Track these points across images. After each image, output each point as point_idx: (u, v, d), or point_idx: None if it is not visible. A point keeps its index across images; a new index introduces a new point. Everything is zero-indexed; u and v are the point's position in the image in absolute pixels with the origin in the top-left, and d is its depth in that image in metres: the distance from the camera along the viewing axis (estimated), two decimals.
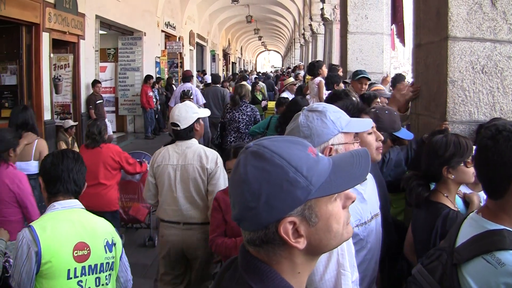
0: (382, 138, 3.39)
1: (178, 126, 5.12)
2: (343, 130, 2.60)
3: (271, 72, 32.89)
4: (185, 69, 21.73)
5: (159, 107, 19.36)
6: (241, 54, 63.08)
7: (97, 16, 16.33)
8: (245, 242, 1.60)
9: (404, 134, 4.68)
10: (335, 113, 2.64)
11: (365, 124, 2.86)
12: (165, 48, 23.39)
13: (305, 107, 2.75)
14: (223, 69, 45.20)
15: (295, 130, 2.62)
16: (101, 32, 17.31)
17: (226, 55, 48.82)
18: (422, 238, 3.42)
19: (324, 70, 10.88)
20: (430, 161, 3.44)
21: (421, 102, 5.19)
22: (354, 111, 3.19)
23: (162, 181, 5.18)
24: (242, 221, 1.56)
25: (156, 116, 19.27)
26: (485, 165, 2.44)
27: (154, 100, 18.64)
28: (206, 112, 5.62)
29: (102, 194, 6.66)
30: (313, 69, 10.89)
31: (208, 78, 22.39)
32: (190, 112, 5.20)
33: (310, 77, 11.55)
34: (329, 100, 4.92)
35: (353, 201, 1.64)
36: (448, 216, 3.17)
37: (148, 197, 5.48)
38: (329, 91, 7.70)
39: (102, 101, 15.96)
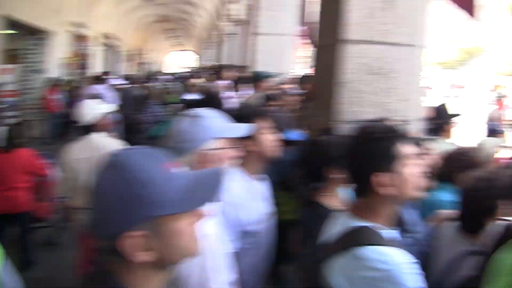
0: (279, 138, 3.47)
1: (80, 122, 5.33)
2: (216, 136, 2.63)
3: (183, 72, 32.83)
4: (95, 71, 21.33)
5: (65, 111, 18.68)
6: (155, 54, 62.76)
7: None
8: (99, 250, 1.63)
9: (296, 135, 4.79)
10: (210, 118, 2.68)
11: (240, 129, 2.87)
12: (73, 48, 22.74)
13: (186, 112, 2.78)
14: (137, 70, 44.84)
15: (172, 135, 2.67)
16: (5, 31, 16.67)
17: (139, 56, 48.40)
18: (304, 237, 3.49)
19: (228, 73, 10.99)
20: (314, 161, 3.49)
21: (315, 103, 5.33)
22: (239, 116, 3.18)
23: (73, 175, 5.27)
24: (93, 228, 1.59)
25: (62, 120, 18.63)
26: (350, 164, 2.56)
27: (60, 103, 18.07)
28: (110, 108, 5.81)
29: (12, 197, 6.55)
30: (215, 73, 11.08)
31: (115, 80, 22.04)
32: (91, 108, 5.44)
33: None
34: (200, 104, 4.95)
35: (202, 218, 1.67)
36: (318, 214, 3.20)
37: (62, 192, 5.63)
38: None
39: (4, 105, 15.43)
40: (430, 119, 5.67)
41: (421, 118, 5.33)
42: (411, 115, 4.95)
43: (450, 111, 6.04)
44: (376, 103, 4.73)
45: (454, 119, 5.95)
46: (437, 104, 6.55)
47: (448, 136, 5.89)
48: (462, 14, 6.28)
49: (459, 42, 60.61)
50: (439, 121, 5.84)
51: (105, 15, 28.67)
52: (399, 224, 2.84)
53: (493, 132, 13.62)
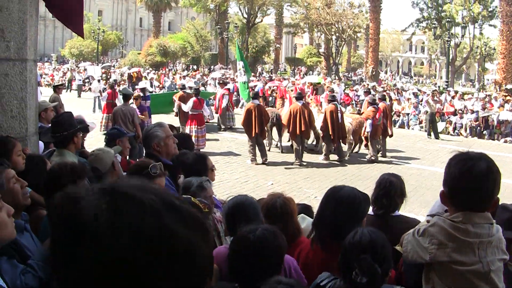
0: None
1: None
2: None
3: None
4: None
5: None
6: None
7: None
8: None
9: None
10: None
11: None
12: None
13: None
14: None
15: None
16: None
17: None
18: None
19: None
20: None
21: None
22: None
23: None
24: None
25: None
26: None
27: None
28: None
29: None
30: None
31: None
32: None
33: None
34: None
35: None
36: None
37: None
38: None
39: None
40: (54, 131, 6.07)
41: (38, 132, 6.27)
42: (28, 131, 5.70)
43: (75, 121, 6.41)
44: None
45: (79, 129, 6.29)
46: (59, 116, 6.95)
47: (76, 147, 6.31)
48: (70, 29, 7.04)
49: None
50: (65, 133, 5.97)
51: None
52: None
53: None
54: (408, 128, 30.36)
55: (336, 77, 53.75)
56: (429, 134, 26.44)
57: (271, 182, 14.40)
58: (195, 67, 70.00)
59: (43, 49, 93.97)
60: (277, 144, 20.04)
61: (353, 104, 32.93)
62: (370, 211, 5.03)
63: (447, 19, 49.52)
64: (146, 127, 12.03)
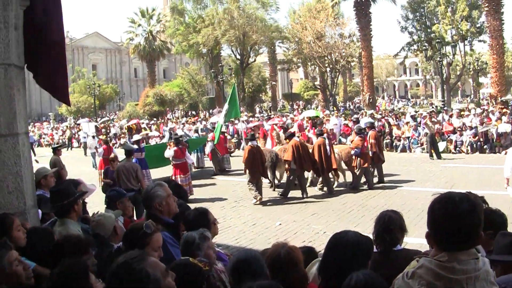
0: None
1: None
2: None
3: None
4: None
5: None
6: None
7: None
8: None
9: None
10: None
11: None
12: None
13: None
14: None
15: None
16: None
17: None
18: None
19: None
20: None
21: None
22: None
23: None
24: None
25: None
26: None
27: None
28: None
29: None
30: None
31: None
32: None
33: None
34: None
35: None
36: None
37: None
38: None
39: None
40: (54, 201, 5.94)
41: (36, 204, 6.29)
42: (26, 205, 5.78)
43: (75, 189, 6.26)
44: None
45: (78, 197, 6.17)
46: (58, 185, 6.64)
47: (78, 215, 6.22)
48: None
49: None
50: (65, 202, 5.89)
51: None
52: None
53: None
54: (410, 152, 30.35)
55: (335, 109, 53.91)
56: (431, 156, 26.45)
57: (279, 222, 14.35)
58: (194, 112, 70.25)
59: (40, 108, 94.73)
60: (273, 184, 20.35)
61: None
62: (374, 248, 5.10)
63: (437, 40, 49.82)
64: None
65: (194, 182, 21.46)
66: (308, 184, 19.60)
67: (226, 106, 20.94)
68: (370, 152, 19.49)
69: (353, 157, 19.37)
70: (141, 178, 14.96)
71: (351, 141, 21.21)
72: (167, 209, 5.71)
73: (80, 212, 6.32)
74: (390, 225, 5.16)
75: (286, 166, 18.30)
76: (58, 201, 5.90)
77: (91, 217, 6.33)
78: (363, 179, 19.50)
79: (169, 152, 19.45)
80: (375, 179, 19.99)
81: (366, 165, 19.09)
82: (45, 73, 6.45)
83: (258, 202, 17.29)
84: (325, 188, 18.85)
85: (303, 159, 18.03)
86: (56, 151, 18.30)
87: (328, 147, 18.54)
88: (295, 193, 18.41)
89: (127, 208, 7.26)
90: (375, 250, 5.04)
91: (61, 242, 4.64)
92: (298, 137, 19.91)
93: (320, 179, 19.07)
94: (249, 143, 18.36)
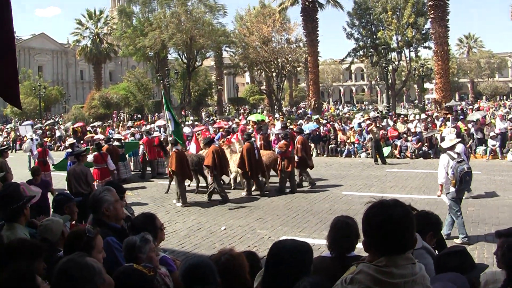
0: None
1: None
2: None
3: None
4: None
5: None
6: None
7: None
8: None
9: None
10: None
11: None
12: None
13: None
14: None
15: None
16: None
17: None
18: None
19: None
20: None
21: None
22: None
23: None
24: None
25: None
26: None
27: None
28: None
29: None
30: None
31: None
32: None
33: None
34: None
35: None
36: None
37: None
38: None
39: None
40: (2, 205, 5.94)
41: None
42: None
43: (23, 192, 6.29)
44: None
45: (27, 201, 6.16)
46: (5, 189, 6.55)
47: (26, 220, 6.23)
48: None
49: None
50: (14, 206, 5.90)
51: None
52: None
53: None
54: (355, 157, 30.76)
55: (280, 113, 54.15)
56: (376, 161, 26.88)
57: (224, 227, 14.43)
58: (139, 116, 69.77)
59: None
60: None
61: None
62: (327, 253, 5.26)
63: (383, 46, 50.46)
64: None
65: (135, 185, 22.14)
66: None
67: (167, 113, 20.91)
68: (296, 157, 19.99)
69: (278, 160, 19.89)
70: (91, 182, 14.93)
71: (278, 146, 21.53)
72: (114, 214, 5.76)
73: (28, 216, 6.33)
74: (348, 231, 5.21)
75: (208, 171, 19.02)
76: (7, 205, 5.90)
77: (39, 221, 6.34)
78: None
79: (89, 157, 19.44)
80: (305, 183, 20.66)
81: (289, 168, 19.57)
82: None
83: (183, 205, 17.90)
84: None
85: (223, 164, 18.70)
86: (3, 153, 18.06)
87: (256, 151, 19.12)
88: (234, 198, 18.81)
89: (73, 212, 7.27)
90: (328, 254, 5.22)
91: (14, 245, 4.66)
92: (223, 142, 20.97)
93: (245, 183, 19.70)
94: (174, 148, 18.64)
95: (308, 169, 20.85)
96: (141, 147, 26.76)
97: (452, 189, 12.39)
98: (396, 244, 3.18)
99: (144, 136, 28.66)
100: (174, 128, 19.92)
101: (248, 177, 19.30)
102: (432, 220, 5.81)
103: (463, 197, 13.15)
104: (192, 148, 23.20)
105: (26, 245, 4.64)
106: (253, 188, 19.72)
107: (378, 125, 29.87)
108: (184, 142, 22.47)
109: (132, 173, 27.08)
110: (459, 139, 14.92)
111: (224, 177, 20.42)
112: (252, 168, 18.93)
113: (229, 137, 23.17)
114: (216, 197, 18.63)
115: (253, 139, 20.91)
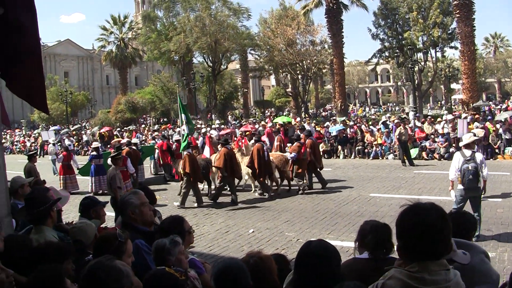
0: None
1: None
2: None
3: None
4: None
5: None
6: None
7: None
8: None
9: None
10: None
11: None
12: None
13: None
14: None
15: None
16: None
17: None
18: None
19: None
20: None
21: None
22: None
23: None
24: None
25: None
26: None
27: None
28: None
29: None
30: None
31: None
32: None
33: None
34: None
35: None
36: None
37: None
38: None
39: None
40: (29, 209, 5.94)
41: (10, 213, 6.23)
42: (1, 213, 5.75)
43: (50, 196, 6.27)
44: None
45: (53, 203, 6.11)
46: (32, 192, 6.57)
47: (53, 222, 6.17)
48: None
49: None
50: (41, 208, 5.85)
51: None
52: None
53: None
54: (382, 158, 30.53)
55: (307, 116, 53.99)
56: (403, 162, 26.63)
57: (252, 230, 14.36)
58: (166, 119, 70.03)
59: (12, 115, 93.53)
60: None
61: (325, 141, 33.24)
62: (364, 255, 5.12)
63: (409, 46, 50.02)
64: None
65: (158, 187, 22.34)
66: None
67: (183, 116, 21.06)
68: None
69: (289, 162, 20.19)
70: (114, 188, 14.90)
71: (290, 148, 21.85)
72: (141, 217, 5.72)
73: (55, 219, 6.30)
74: (382, 234, 5.11)
75: (217, 172, 19.67)
76: (34, 208, 5.89)
77: (72, 224, 6.31)
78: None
79: (108, 160, 19.65)
80: (318, 185, 20.85)
81: (300, 171, 19.87)
82: (21, 81, 6.39)
83: (179, 206, 18.32)
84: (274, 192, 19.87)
85: (234, 166, 19.05)
86: (32, 158, 18.26)
87: (266, 153, 19.46)
88: (263, 200, 18.72)
89: (101, 216, 7.23)
90: (363, 256, 5.10)
91: (42, 248, 4.65)
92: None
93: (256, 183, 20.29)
94: (186, 152, 18.95)
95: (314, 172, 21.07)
96: (157, 151, 27.19)
97: (460, 187, 12.52)
98: (429, 249, 3.11)
99: (159, 140, 29.23)
100: (188, 132, 20.14)
101: (256, 177, 19.64)
102: (472, 220, 5.66)
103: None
104: (206, 151, 23.20)
105: (54, 247, 4.64)
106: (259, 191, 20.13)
107: (406, 126, 29.58)
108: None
109: (152, 176, 27.75)
110: (477, 139, 15.12)
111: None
112: (260, 168, 19.19)
113: (236, 140, 23.59)
114: (223, 199, 19.05)
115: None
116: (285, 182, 21.01)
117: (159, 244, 4.95)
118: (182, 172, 18.63)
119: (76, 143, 46.28)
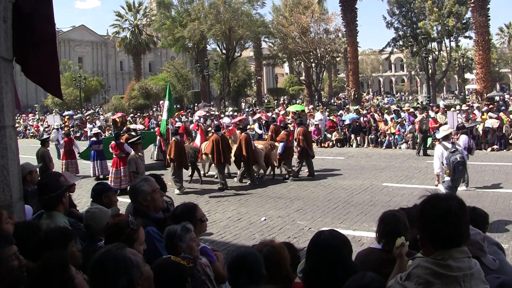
0: None
1: None
2: None
3: None
4: None
5: None
6: None
7: None
8: None
9: None
10: None
11: None
12: None
13: None
14: None
15: None
16: None
17: None
18: None
19: None
20: None
21: None
22: None
23: None
24: None
25: None
26: None
27: None
28: None
29: None
30: None
31: None
32: None
33: None
34: None
35: None
36: None
37: None
38: None
39: None
40: (41, 194, 5.95)
41: (22, 197, 6.21)
42: (13, 198, 5.63)
43: (64, 182, 6.20)
44: None
45: (65, 189, 6.11)
46: (45, 178, 6.92)
47: (65, 209, 6.15)
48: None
49: None
50: (52, 194, 5.85)
51: None
52: None
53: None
54: (395, 148, 30.38)
55: (320, 104, 53.86)
56: (418, 152, 26.50)
57: (264, 218, 14.34)
58: (179, 106, 70.14)
59: (26, 100, 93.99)
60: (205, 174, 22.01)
61: (338, 129, 33.17)
62: (377, 245, 5.12)
63: (423, 36, 49.69)
64: None
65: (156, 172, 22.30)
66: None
67: (166, 102, 21.27)
68: (299, 148, 20.78)
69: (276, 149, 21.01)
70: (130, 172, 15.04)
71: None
72: (152, 204, 5.72)
73: (67, 205, 6.29)
74: (397, 224, 5.00)
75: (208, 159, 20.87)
76: (46, 193, 5.89)
77: (87, 208, 6.30)
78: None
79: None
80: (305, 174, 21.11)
81: (288, 158, 21.13)
82: (36, 67, 6.36)
83: (180, 193, 18.46)
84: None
85: (225, 153, 19.52)
86: (45, 143, 18.37)
87: (252, 142, 20.05)
88: (275, 188, 18.63)
89: (112, 202, 7.21)
90: (378, 246, 5.09)
91: (46, 234, 4.68)
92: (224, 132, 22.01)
93: (240, 171, 20.69)
94: (173, 137, 19.38)
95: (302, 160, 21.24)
96: (157, 137, 27.26)
97: (447, 179, 12.67)
98: (453, 237, 3.15)
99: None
100: (166, 118, 20.43)
101: (240, 166, 20.36)
102: (483, 213, 5.69)
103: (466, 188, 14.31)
104: (197, 139, 23.20)
105: (56, 233, 4.65)
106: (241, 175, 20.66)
107: (428, 115, 29.38)
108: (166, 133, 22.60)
109: (155, 161, 27.95)
110: (464, 130, 16.74)
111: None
112: (249, 158, 19.70)
113: (230, 128, 24.48)
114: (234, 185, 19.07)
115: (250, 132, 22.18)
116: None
117: (171, 230, 4.95)
118: (168, 157, 18.99)
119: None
